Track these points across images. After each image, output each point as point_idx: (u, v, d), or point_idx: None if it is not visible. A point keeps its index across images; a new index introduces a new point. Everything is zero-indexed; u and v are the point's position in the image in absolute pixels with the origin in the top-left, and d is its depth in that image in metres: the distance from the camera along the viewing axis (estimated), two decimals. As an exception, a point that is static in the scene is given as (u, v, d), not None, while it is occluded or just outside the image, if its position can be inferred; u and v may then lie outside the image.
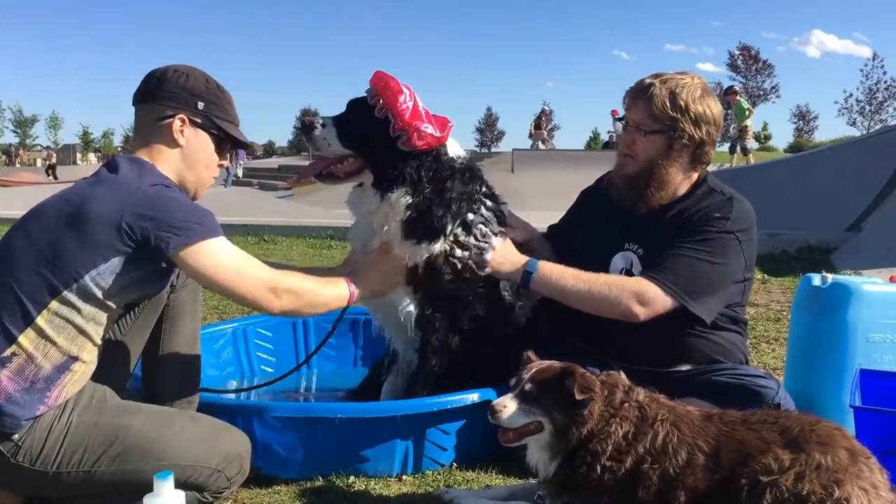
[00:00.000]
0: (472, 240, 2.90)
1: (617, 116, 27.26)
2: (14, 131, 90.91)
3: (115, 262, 2.22)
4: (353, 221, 3.08)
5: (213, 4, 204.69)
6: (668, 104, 2.81)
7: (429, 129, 2.80)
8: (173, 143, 2.45)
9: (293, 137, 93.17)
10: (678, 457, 2.13)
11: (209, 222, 2.31)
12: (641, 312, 2.73)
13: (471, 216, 2.92)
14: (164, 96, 2.45)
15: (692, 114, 2.82)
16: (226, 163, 2.65)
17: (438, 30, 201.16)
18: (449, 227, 2.88)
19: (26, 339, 2.19)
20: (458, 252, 2.88)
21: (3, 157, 63.31)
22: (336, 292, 2.65)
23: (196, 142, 2.49)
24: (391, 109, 2.78)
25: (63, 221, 2.24)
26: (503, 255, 2.92)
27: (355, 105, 2.90)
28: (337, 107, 2.93)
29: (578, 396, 2.14)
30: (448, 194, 2.88)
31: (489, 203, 3.02)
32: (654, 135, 2.85)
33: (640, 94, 2.88)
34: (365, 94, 2.90)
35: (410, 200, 2.84)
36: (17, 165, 57.61)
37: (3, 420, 2.15)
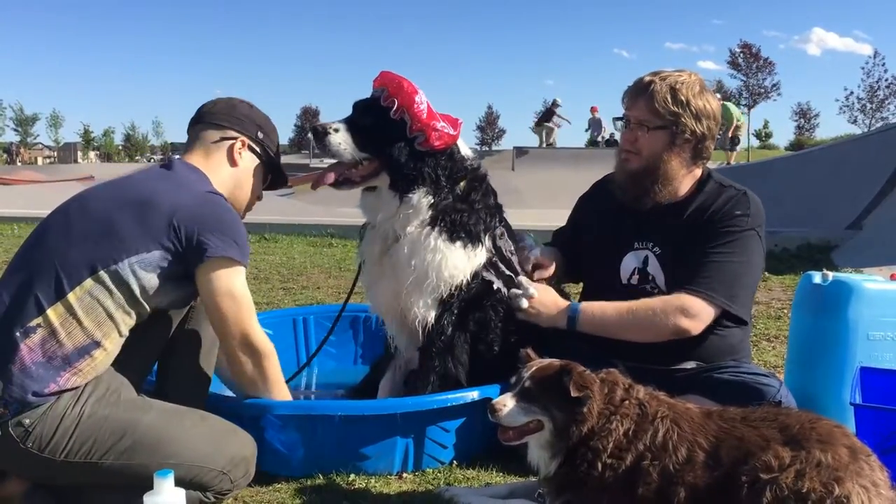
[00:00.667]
0: (505, 269, 2.96)
1: (596, 114, 27.07)
2: (15, 130, 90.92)
3: (157, 256, 2.30)
4: (367, 230, 3.07)
5: (213, 3, 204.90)
6: (669, 100, 2.83)
7: (446, 127, 2.82)
8: (232, 162, 2.62)
9: (293, 135, 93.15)
10: (678, 454, 2.13)
11: (245, 249, 2.43)
12: (692, 327, 2.77)
13: (498, 233, 2.99)
14: (232, 120, 2.64)
15: (693, 108, 2.84)
16: (262, 195, 2.79)
17: (438, 28, 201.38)
18: (484, 238, 2.92)
19: (54, 312, 2.23)
20: (495, 280, 2.94)
21: (4, 156, 63.32)
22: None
23: (250, 165, 2.68)
24: (408, 110, 2.78)
25: (127, 203, 2.35)
26: (544, 302, 2.93)
27: (368, 107, 2.88)
28: (337, 104, 2.95)
29: (574, 394, 2.14)
30: (476, 205, 2.92)
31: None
32: (657, 130, 2.87)
33: (640, 91, 2.89)
34: (371, 96, 2.89)
35: (433, 200, 2.85)
36: (19, 164, 57.54)
37: (11, 389, 2.18)
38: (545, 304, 2.93)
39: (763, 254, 2.91)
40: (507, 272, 2.97)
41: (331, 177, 2.91)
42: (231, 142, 2.61)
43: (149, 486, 2.04)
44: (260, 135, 2.68)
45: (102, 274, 2.26)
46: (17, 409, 2.19)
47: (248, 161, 2.66)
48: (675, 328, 2.77)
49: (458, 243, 2.87)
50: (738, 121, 20.60)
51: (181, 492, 2.05)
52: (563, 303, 2.94)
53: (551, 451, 2.23)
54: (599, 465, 2.15)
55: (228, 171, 2.62)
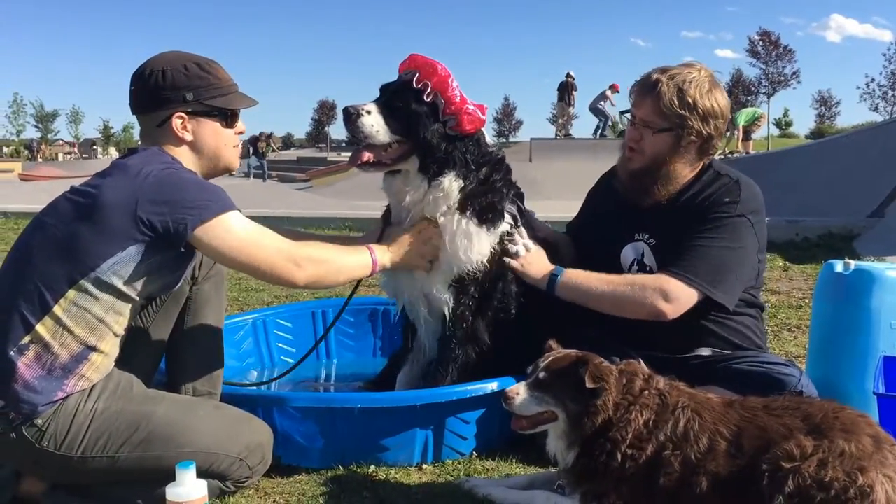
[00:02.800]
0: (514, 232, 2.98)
1: (612, 98, 26.51)
2: (36, 126, 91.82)
3: (133, 251, 2.24)
4: (392, 216, 3.06)
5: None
6: (676, 101, 2.78)
7: (476, 112, 2.83)
8: (179, 141, 2.45)
9: (311, 129, 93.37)
10: (699, 443, 2.13)
11: (222, 198, 2.32)
12: (668, 310, 2.74)
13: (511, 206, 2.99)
14: (151, 102, 2.43)
15: (700, 110, 2.79)
16: (244, 126, 2.61)
17: (454, 20, 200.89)
18: (506, 214, 2.93)
19: (43, 327, 2.21)
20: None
21: (26, 152, 63.92)
22: (358, 260, 2.64)
23: (202, 131, 2.48)
24: (442, 94, 2.78)
25: (78, 213, 2.26)
26: (535, 259, 2.95)
27: (399, 90, 2.85)
28: (353, 97, 2.92)
29: (589, 385, 2.15)
30: (497, 184, 2.92)
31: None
32: (662, 133, 2.84)
33: (647, 90, 2.85)
34: (399, 79, 2.88)
35: (462, 184, 2.84)
36: (39, 160, 58.06)
37: (20, 406, 2.19)
38: (533, 263, 2.94)
39: (755, 241, 2.85)
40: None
41: (366, 156, 2.86)
42: (166, 123, 2.42)
43: (165, 478, 2.06)
44: (189, 96, 2.42)
45: (84, 283, 2.23)
46: (29, 416, 2.20)
47: (197, 128, 2.46)
48: (652, 308, 2.75)
49: (485, 226, 2.88)
50: (756, 118, 20.42)
51: (203, 482, 2.07)
52: (550, 266, 2.94)
53: (567, 441, 2.23)
54: (619, 456, 2.15)
55: (183, 149, 2.46)
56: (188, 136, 2.45)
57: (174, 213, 2.23)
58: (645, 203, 2.92)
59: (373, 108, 2.82)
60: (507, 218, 2.96)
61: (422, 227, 2.86)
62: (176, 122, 2.42)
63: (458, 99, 2.79)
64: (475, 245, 2.86)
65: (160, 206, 2.22)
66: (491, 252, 2.91)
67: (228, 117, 2.53)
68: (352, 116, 2.80)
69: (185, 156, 2.46)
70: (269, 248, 2.37)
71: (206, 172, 2.52)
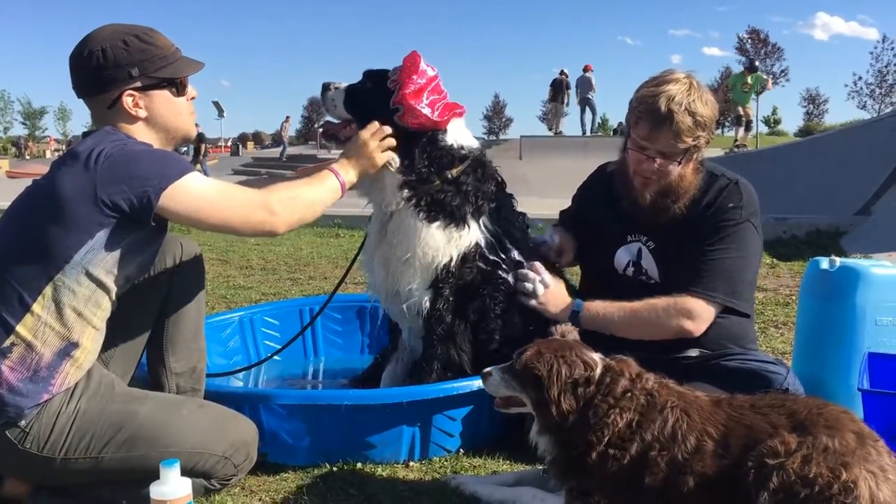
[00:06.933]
0: (514, 254, 2.96)
1: (591, 70, 26.00)
2: (23, 123, 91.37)
3: (102, 236, 2.20)
4: (371, 210, 3.07)
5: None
6: (693, 127, 2.72)
7: (426, 110, 2.78)
8: (133, 119, 2.37)
9: (301, 127, 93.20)
10: (687, 443, 2.12)
11: (178, 162, 2.28)
12: (694, 328, 2.77)
13: (491, 214, 2.95)
14: (96, 85, 2.34)
15: (708, 122, 2.76)
16: (195, 91, 2.53)
17: (444, 18, 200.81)
18: (471, 220, 2.89)
19: (24, 327, 2.18)
20: (500, 263, 2.93)
21: (13, 150, 63.53)
22: (327, 187, 2.61)
23: (154, 104, 2.39)
24: (400, 82, 2.78)
25: (41, 210, 2.23)
26: (555, 295, 2.92)
27: (369, 74, 2.93)
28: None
29: (517, 367, 2.23)
30: (464, 187, 2.88)
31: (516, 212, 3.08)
32: (682, 157, 2.78)
33: (661, 124, 2.71)
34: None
35: (403, 179, 2.83)
36: (27, 157, 57.72)
37: (6, 410, 2.17)
38: (555, 297, 2.91)
39: (760, 243, 2.88)
40: (516, 258, 2.96)
41: (325, 126, 3.04)
42: (117, 103, 2.33)
43: (150, 478, 2.04)
44: (135, 72, 2.31)
45: (60, 277, 2.19)
46: (14, 419, 2.18)
47: (148, 102, 2.37)
48: (678, 329, 2.77)
49: (437, 223, 2.85)
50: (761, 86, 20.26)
51: (187, 481, 2.06)
52: (568, 300, 2.92)
53: (537, 427, 2.26)
54: (594, 455, 2.15)
55: (138, 126, 2.37)
56: (142, 113, 2.37)
57: (134, 188, 2.17)
58: (661, 221, 2.88)
59: (342, 85, 2.93)
60: (476, 228, 2.91)
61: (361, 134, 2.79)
62: (127, 101, 2.34)
63: (409, 91, 2.75)
64: (422, 239, 2.84)
65: (119, 184, 2.16)
66: (457, 254, 2.88)
67: (178, 86, 2.45)
68: (323, 89, 2.95)
69: (141, 132, 2.38)
70: (239, 200, 2.34)
71: (165, 145, 2.46)
